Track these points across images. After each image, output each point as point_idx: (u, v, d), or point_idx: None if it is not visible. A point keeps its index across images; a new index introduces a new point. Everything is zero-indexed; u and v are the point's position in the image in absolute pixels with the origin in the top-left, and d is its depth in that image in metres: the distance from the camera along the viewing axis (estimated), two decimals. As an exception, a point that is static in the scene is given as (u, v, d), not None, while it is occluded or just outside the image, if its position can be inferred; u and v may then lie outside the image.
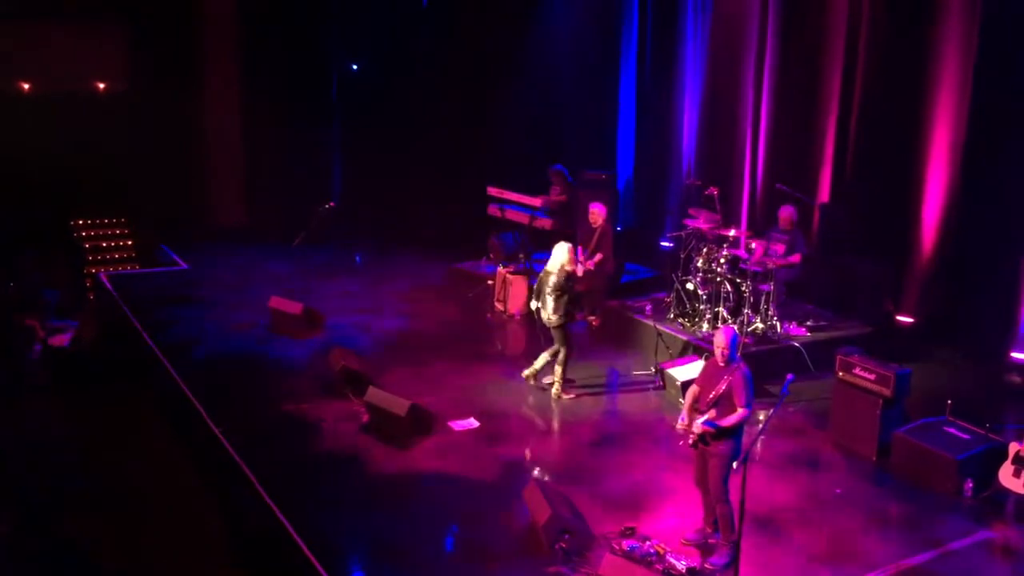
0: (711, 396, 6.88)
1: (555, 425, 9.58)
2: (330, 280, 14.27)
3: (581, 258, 11.65)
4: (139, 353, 11.49)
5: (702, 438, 6.90)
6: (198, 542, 7.83)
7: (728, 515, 6.91)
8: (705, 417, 6.83)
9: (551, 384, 10.14)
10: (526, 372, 10.37)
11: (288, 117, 16.67)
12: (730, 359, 6.89)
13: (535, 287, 10.18)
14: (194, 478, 8.98)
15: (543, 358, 10.22)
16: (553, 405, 9.97)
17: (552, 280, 9.79)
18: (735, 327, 7.21)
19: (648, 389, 10.51)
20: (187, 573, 7.43)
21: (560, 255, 9.84)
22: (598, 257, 11.84)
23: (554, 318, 9.85)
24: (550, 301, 9.82)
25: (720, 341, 6.96)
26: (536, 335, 10.89)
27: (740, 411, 6.75)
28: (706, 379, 7.07)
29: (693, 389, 7.18)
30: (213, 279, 14.38)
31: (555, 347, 10.08)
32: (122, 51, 16.42)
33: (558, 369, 10.04)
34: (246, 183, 17.17)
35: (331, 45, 17.35)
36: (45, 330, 12.48)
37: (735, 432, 6.83)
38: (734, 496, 6.69)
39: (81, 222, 15.83)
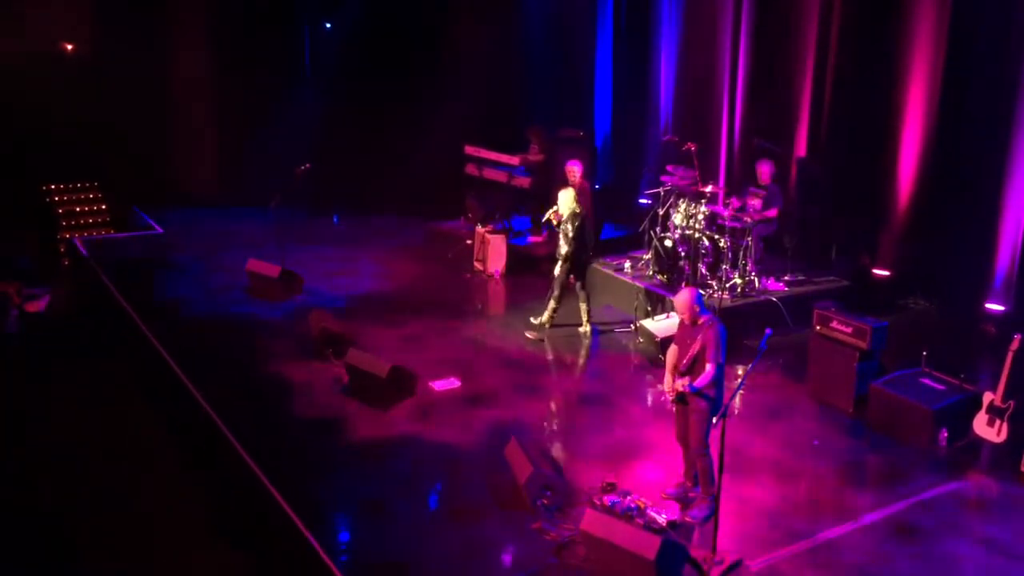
0: (686, 358, 6.92)
1: (536, 383, 9.62)
2: (307, 242, 14.18)
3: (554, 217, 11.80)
4: (116, 318, 11.41)
5: (681, 396, 6.96)
6: (180, 511, 7.83)
7: (708, 469, 7.00)
8: (683, 381, 6.88)
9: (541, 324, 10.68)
10: (543, 320, 10.69)
11: (260, 77, 16.42)
12: (700, 315, 6.94)
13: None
14: (174, 444, 8.95)
15: (552, 304, 10.69)
16: (536, 354, 10.01)
17: (570, 225, 10.31)
18: (695, 287, 7.23)
19: (627, 346, 10.57)
20: (170, 544, 7.44)
21: (569, 199, 10.31)
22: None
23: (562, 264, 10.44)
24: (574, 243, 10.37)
25: (681, 303, 6.98)
26: (515, 294, 10.97)
27: (708, 367, 6.79)
28: (681, 339, 7.11)
29: (672, 349, 7.22)
30: (189, 243, 14.26)
31: (558, 291, 10.56)
32: (87, 11, 16.09)
33: (552, 305, 10.63)
34: (219, 145, 16.94)
35: (303, 3, 17.07)
36: (20, 297, 12.36)
37: (713, 388, 6.89)
38: (714, 450, 6.77)
39: (53, 187, 15.60)
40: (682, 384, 6.89)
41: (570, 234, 10.34)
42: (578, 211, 10.36)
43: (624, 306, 11.30)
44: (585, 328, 10.69)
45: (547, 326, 10.68)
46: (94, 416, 9.48)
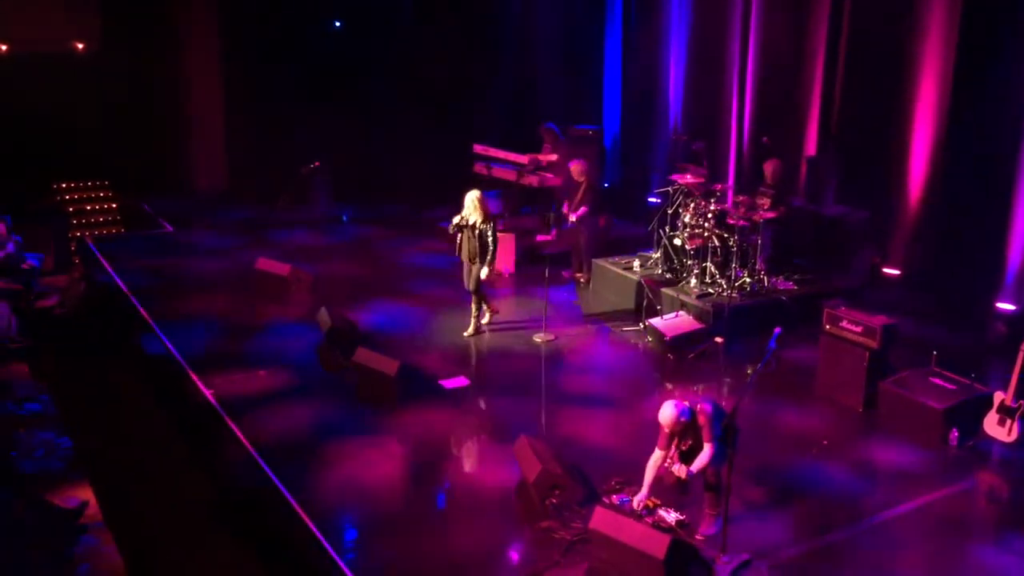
0: (685, 446, 6.74)
1: (545, 382, 9.61)
2: (317, 240, 14.20)
3: (566, 212, 11.79)
4: (126, 316, 11.45)
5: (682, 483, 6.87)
6: (187, 508, 7.85)
7: (716, 482, 6.87)
8: (679, 467, 6.73)
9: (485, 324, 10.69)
10: (470, 332, 10.57)
11: (270, 75, 16.46)
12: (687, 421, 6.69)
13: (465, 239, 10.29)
14: (180, 442, 8.97)
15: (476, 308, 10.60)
16: (542, 361, 10.00)
17: (487, 228, 10.08)
18: (679, 401, 6.79)
19: (636, 345, 10.55)
20: (176, 541, 7.47)
21: (474, 203, 10.06)
22: (582, 211, 11.89)
23: (486, 269, 10.18)
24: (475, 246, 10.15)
25: (667, 420, 6.69)
26: (524, 292, 10.97)
27: (706, 448, 6.65)
28: (667, 442, 6.84)
29: (657, 456, 6.84)
30: (198, 241, 14.32)
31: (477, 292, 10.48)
32: (95, 10, 16.17)
33: (485, 306, 10.64)
34: (229, 142, 17.01)
35: (313, 1, 17.11)
36: (31, 295, 12.39)
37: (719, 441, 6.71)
38: (724, 474, 6.74)
39: (64, 185, 15.67)
40: (680, 471, 6.73)
41: (488, 237, 10.09)
42: (488, 215, 10.14)
43: (632, 305, 11.28)
44: (484, 324, 10.69)
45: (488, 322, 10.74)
46: (102, 414, 9.52)
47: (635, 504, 6.91)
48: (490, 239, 10.12)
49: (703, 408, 6.70)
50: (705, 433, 6.66)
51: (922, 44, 11.11)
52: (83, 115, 15.51)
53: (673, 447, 6.82)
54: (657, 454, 6.86)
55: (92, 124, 15.61)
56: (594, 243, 12.30)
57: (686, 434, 6.76)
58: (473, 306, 10.58)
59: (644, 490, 6.89)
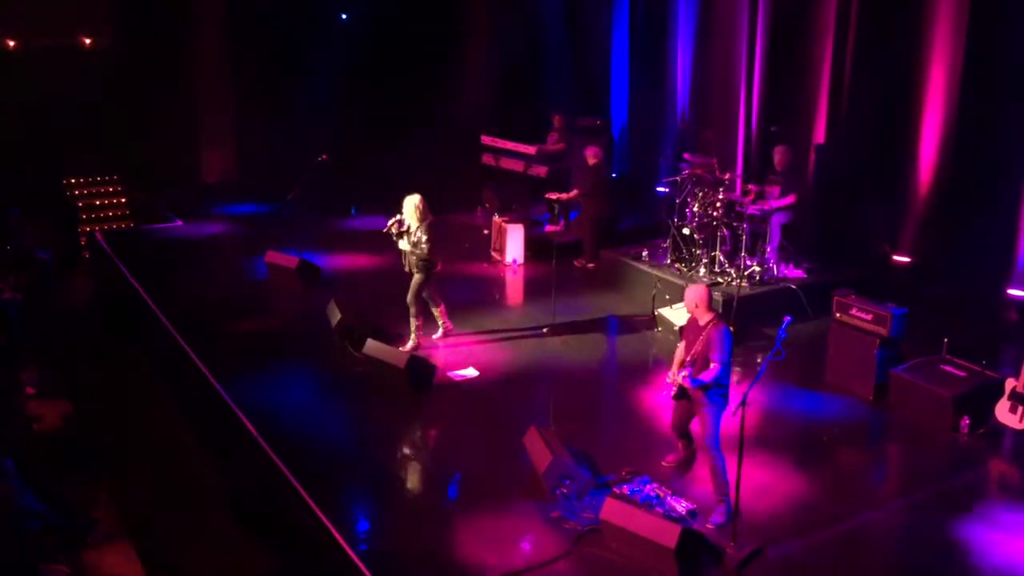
0: (691, 355, 6.94)
1: (555, 372, 9.61)
2: (325, 233, 14.21)
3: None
4: (136, 310, 11.49)
5: (682, 392, 7.00)
6: (198, 499, 7.90)
7: (719, 470, 6.88)
8: (684, 372, 6.85)
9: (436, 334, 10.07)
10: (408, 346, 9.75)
11: (278, 69, 16.48)
12: (706, 313, 6.95)
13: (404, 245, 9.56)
14: (190, 433, 9.03)
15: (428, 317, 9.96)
16: (551, 352, 10.00)
17: (423, 235, 9.36)
18: (707, 286, 7.16)
19: (645, 334, 10.54)
20: (187, 530, 7.52)
21: (413, 207, 9.43)
22: (574, 192, 11.95)
23: (419, 276, 9.57)
24: (415, 255, 9.49)
25: (689, 298, 7.00)
26: (533, 283, 10.95)
27: (713, 366, 6.77)
28: (689, 336, 7.12)
29: (680, 345, 7.24)
30: (208, 235, 14.34)
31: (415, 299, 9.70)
32: (105, 4, 16.20)
33: (414, 323, 9.78)
34: (238, 137, 17.03)
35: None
36: (43, 290, 12.45)
37: (718, 388, 6.86)
38: (733, 436, 6.78)
39: (74, 180, 15.72)
40: (683, 376, 6.85)
41: (423, 243, 9.35)
42: (429, 219, 9.41)
43: (642, 295, 11.28)
44: (413, 342, 9.80)
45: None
46: (113, 408, 9.56)
47: (668, 379, 7.15)
48: (424, 246, 9.32)
49: (719, 327, 6.86)
50: (712, 350, 6.79)
51: (932, 29, 11.03)
52: (92, 109, 15.54)
53: (682, 361, 7.05)
54: (681, 344, 7.21)
55: (101, 118, 15.64)
56: (602, 232, 12.28)
57: (698, 336, 6.89)
58: (412, 319, 9.72)
59: (673, 369, 7.10)
